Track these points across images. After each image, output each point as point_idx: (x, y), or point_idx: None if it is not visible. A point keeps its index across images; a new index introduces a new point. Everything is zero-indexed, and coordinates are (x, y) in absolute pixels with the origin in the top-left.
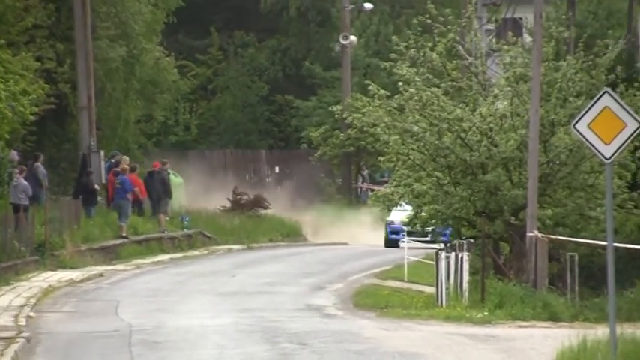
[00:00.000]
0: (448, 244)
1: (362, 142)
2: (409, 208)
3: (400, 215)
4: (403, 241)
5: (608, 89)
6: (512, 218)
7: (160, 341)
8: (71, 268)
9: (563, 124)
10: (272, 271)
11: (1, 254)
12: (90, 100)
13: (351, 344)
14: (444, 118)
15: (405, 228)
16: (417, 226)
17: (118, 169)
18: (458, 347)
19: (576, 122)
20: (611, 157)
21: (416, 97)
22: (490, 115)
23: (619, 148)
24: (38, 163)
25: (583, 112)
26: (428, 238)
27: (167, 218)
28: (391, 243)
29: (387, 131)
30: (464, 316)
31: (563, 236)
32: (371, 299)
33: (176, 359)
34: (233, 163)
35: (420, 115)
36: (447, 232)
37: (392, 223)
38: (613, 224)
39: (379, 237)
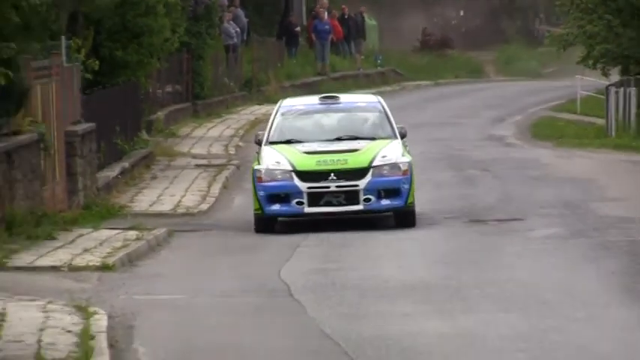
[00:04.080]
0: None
1: None
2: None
3: (286, 156)
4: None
5: None
6: None
7: None
8: (275, 102)
9: None
10: (457, 104)
11: (212, 90)
12: None
13: (529, 170)
14: None
15: (305, 186)
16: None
17: (316, 13)
18: (625, 173)
19: None
20: None
21: None
22: None
23: None
24: (233, 7)
25: None
26: (359, 207)
27: (362, 57)
28: (264, 223)
29: None
30: (630, 145)
31: None
32: (547, 130)
33: None
34: (422, 6)
35: None
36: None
37: (266, 178)
38: None
39: (550, 76)
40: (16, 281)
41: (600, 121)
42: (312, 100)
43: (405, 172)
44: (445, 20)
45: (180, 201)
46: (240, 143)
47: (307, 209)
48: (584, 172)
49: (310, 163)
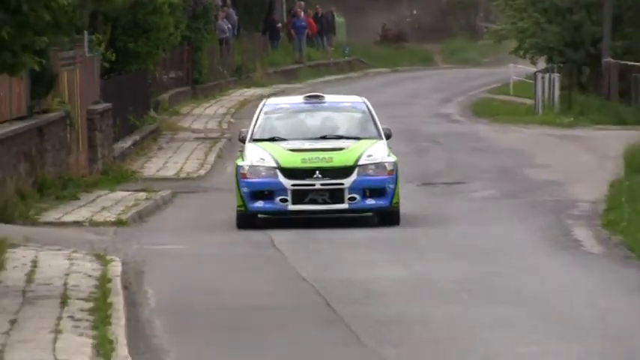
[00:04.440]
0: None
1: None
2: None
3: (271, 153)
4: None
5: None
6: (592, 48)
7: None
8: (261, 86)
9: None
10: (411, 88)
11: (209, 76)
12: None
13: (470, 142)
14: None
15: (289, 183)
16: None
17: (295, 12)
18: (550, 144)
19: None
20: None
21: None
22: None
23: None
24: (226, 7)
25: None
26: (344, 206)
27: (332, 49)
28: (247, 220)
29: None
30: (554, 121)
31: (631, 62)
32: (485, 109)
33: None
34: (382, 6)
35: None
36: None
37: (250, 174)
38: None
39: (488, 64)
40: (46, 234)
41: (529, 102)
42: (297, 100)
43: (390, 172)
44: (401, 18)
45: (182, 167)
46: (232, 120)
47: (291, 207)
48: (516, 143)
49: (295, 161)
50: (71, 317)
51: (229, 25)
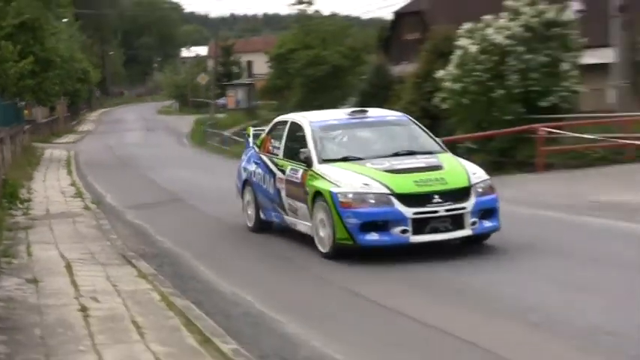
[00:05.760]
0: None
1: None
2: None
3: (372, 177)
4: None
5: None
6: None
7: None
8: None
9: None
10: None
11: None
12: None
13: (160, 123)
14: None
15: (410, 212)
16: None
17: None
18: (188, 122)
19: None
20: None
21: None
22: None
23: None
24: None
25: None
26: (467, 232)
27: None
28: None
29: None
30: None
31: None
32: (164, 111)
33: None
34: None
35: None
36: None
37: (358, 203)
38: None
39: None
40: None
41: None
42: (340, 115)
43: (494, 190)
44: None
45: None
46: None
47: (413, 238)
48: (173, 123)
49: (407, 184)
50: None
51: None
